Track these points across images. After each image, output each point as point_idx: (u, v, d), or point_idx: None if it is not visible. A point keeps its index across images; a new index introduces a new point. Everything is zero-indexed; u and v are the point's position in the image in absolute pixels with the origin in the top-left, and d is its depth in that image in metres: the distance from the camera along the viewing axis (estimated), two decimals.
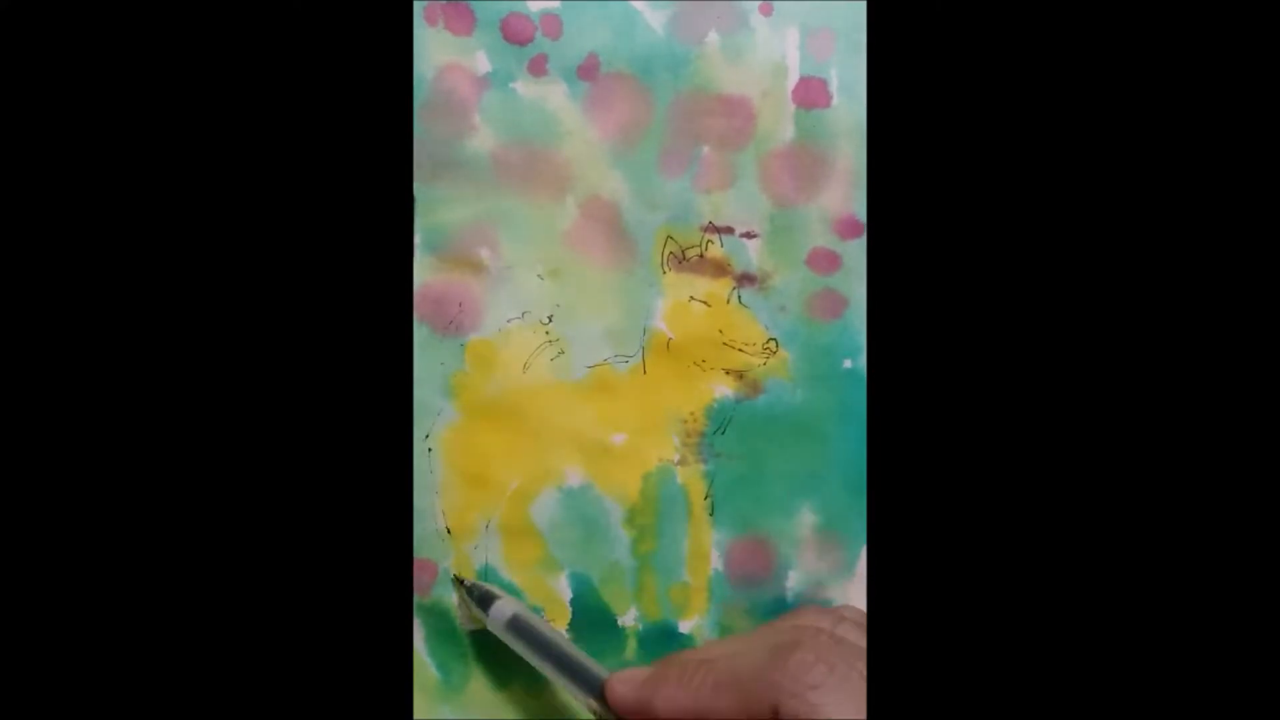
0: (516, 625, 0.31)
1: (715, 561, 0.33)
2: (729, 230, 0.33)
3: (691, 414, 0.33)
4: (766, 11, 0.32)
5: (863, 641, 0.27)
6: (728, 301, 0.33)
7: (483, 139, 0.32)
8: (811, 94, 0.32)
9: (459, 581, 0.32)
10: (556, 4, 0.32)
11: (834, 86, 0.32)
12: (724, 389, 0.33)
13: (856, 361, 0.33)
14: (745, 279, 0.33)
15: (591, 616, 0.33)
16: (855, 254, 0.33)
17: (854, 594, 0.33)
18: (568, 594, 0.33)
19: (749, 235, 0.33)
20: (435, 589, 0.32)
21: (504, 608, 0.31)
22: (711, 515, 0.33)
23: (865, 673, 0.25)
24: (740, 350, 0.33)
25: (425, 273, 0.32)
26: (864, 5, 0.32)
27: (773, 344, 0.33)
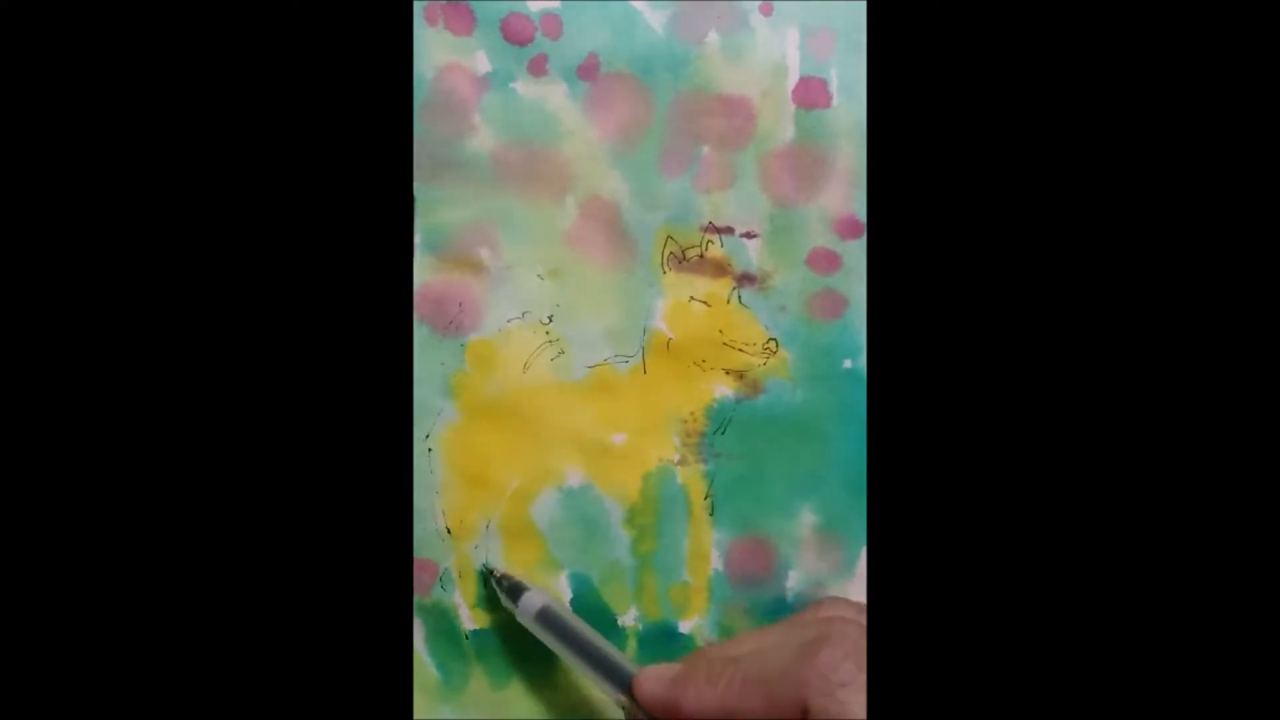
0: (546, 617, 0.31)
1: (715, 561, 0.33)
2: (729, 230, 0.33)
3: (691, 414, 0.33)
4: (766, 11, 0.32)
5: None
6: (728, 301, 0.33)
7: (483, 139, 0.32)
8: (811, 94, 0.32)
9: (489, 572, 0.32)
10: (556, 4, 0.32)
11: (834, 86, 0.32)
12: (724, 389, 0.33)
13: (856, 361, 0.33)
14: (745, 279, 0.33)
15: (591, 616, 0.33)
16: (855, 254, 0.33)
17: (854, 594, 0.33)
18: (568, 594, 0.33)
19: (749, 235, 0.33)
20: (435, 589, 0.32)
21: (534, 599, 0.31)
22: (711, 515, 0.33)
23: None
24: (740, 350, 0.33)
25: (425, 273, 0.32)
26: (864, 5, 0.32)
27: (773, 344, 0.33)
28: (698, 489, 0.33)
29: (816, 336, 0.33)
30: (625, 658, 0.30)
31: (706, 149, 0.32)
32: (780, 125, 0.32)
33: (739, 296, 0.33)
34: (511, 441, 0.32)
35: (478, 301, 0.32)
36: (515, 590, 0.31)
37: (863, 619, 0.28)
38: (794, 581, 0.33)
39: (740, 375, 0.33)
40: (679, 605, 0.33)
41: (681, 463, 0.33)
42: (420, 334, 0.32)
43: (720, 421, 0.33)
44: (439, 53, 0.31)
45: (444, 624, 0.32)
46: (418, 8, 0.31)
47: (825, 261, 0.33)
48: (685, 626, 0.33)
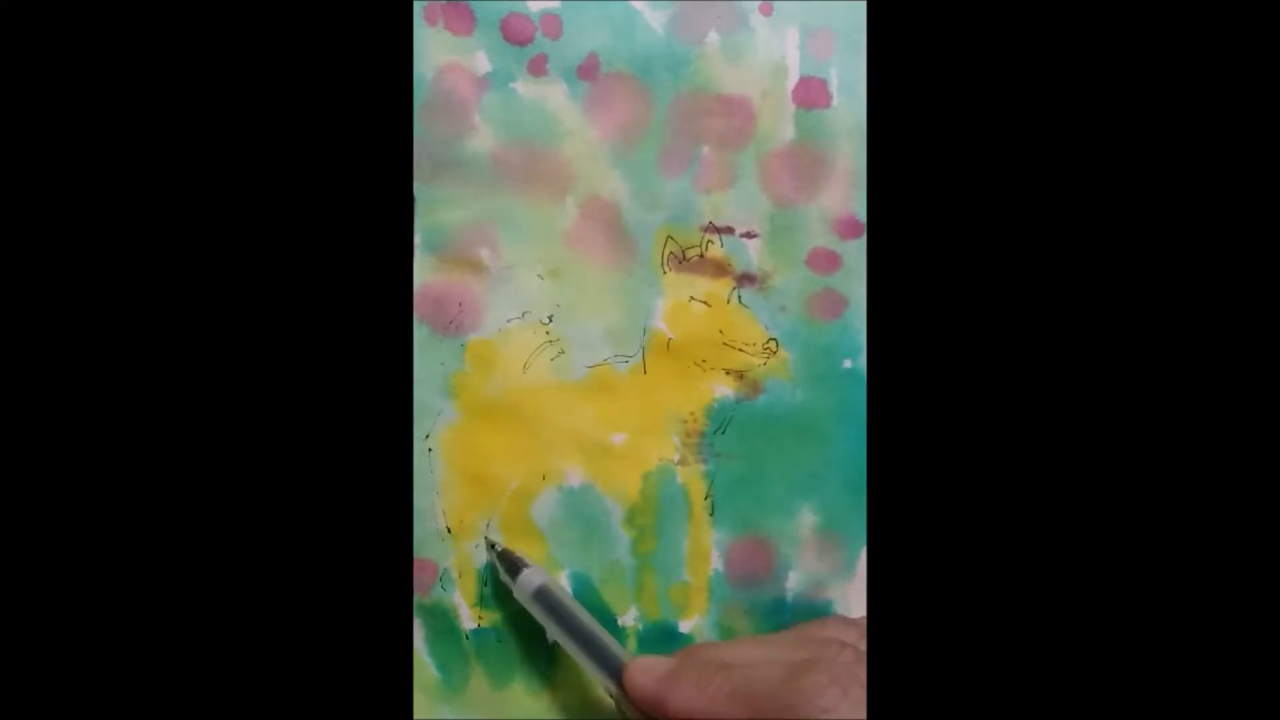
0: (543, 596, 0.31)
1: (715, 561, 0.33)
2: (729, 230, 0.33)
3: (691, 414, 0.33)
4: (766, 11, 0.32)
5: None
6: (728, 301, 0.33)
7: (483, 139, 0.32)
8: (811, 94, 0.32)
9: (491, 545, 0.32)
10: (556, 4, 0.32)
11: (834, 86, 0.32)
12: (724, 389, 0.33)
13: (856, 361, 0.33)
14: (745, 279, 0.33)
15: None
16: (855, 254, 0.33)
17: (854, 594, 0.33)
18: (568, 594, 0.33)
19: (749, 235, 0.33)
20: (435, 589, 0.32)
21: (532, 577, 0.31)
22: (711, 515, 0.33)
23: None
24: (740, 350, 0.33)
25: (425, 273, 0.32)
26: (864, 5, 0.32)
27: (773, 344, 0.33)
28: (698, 489, 0.33)
29: (816, 336, 0.33)
30: (619, 645, 0.30)
31: (706, 149, 0.32)
32: (780, 125, 0.32)
33: (739, 296, 0.33)
34: (511, 441, 0.32)
35: (478, 301, 0.32)
36: (515, 566, 0.31)
37: (862, 644, 0.28)
38: (794, 582, 0.33)
39: (740, 375, 0.33)
40: (679, 605, 0.33)
41: (681, 463, 0.33)
42: (420, 334, 0.32)
43: (720, 421, 0.33)
44: (439, 53, 0.31)
45: (444, 624, 0.32)
46: (418, 8, 0.31)
47: (825, 261, 0.33)
48: (685, 626, 0.33)
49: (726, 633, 0.33)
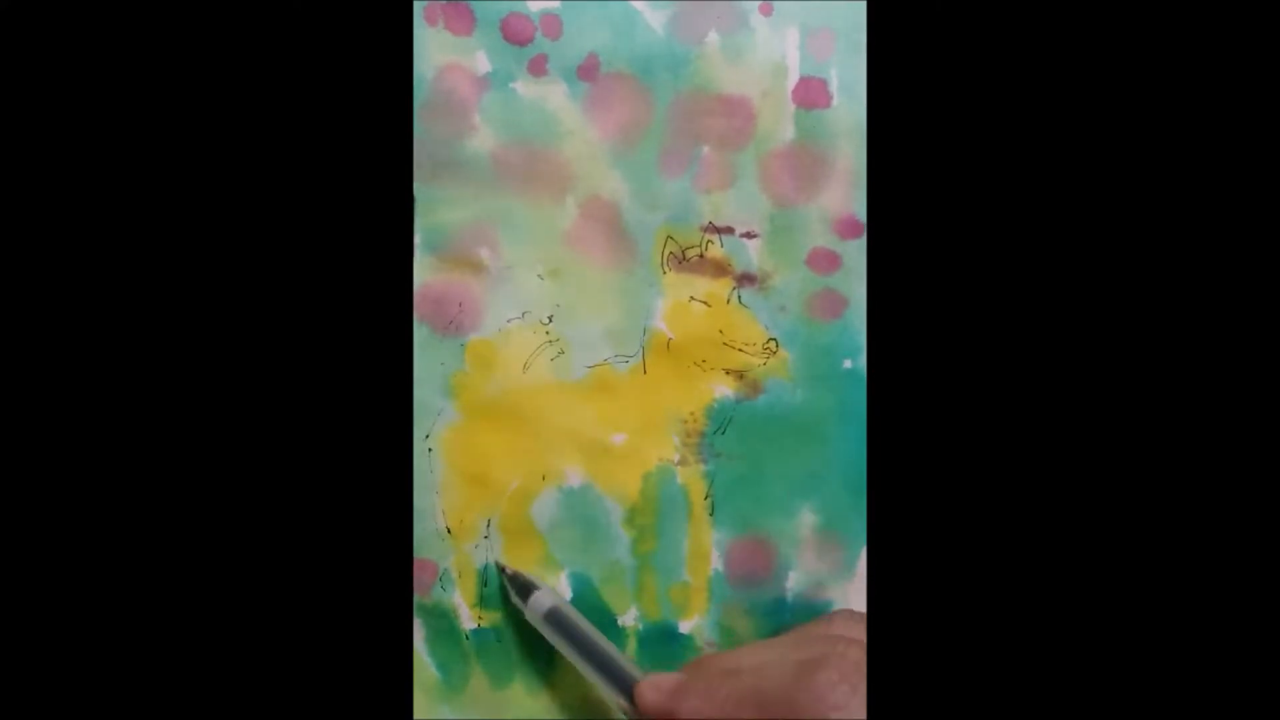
0: (554, 618, 0.31)
1: (715, 561, 0.33)
2: (729, 230, 0.33)
3: (691, 414, 0.33)
4: (766, 11, 0.32)
5: None
6: (728, 301, 0.33)
7: (483, 139, 0.32)
8: (811, 94, 0.32)
9: (500, 569, 0.32)
10: (556, 4, 0.32)
11: (834, 86, 0.32)
12: (724, 389, 0.33)
13: (856, 361, 0.33)
14: (745, 279, 0.33)
15: (591, 616, 0.33)
16: (855, 254, 0.33)
17: (854, 594, 0.33)
18: (568, 594, 0.33)
19: (749, 235, 0.33)
20: (435, 589, 0.32)
21: (542, 599, 0.31)
22: (711, 515, 0.33)
23: None
24: (740, 350, 0.33)
25: (425, 273, 0.32)
26: (864, 5, 0.32)
27: (773, 344, 0.33)
28: (698, 489, 0.33)
29: (816, 336, 0.33)
30: (631, 662, 0.30)
31: (706, 149, 0.32)
32: (780, 125, 0.32)
33: (739, 296, 0.33)
34: (511, 441, 0.33)
35: (478, 301, 0.32)
36: (525, 588, 0.31)
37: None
38: (794, 582, 0.33)
39: (740, 375, 0.33)
40: (679, 605, 0.33)
41: (681, 463, 0.33)
42: (420, 334, 0.32)
43: (720, 421, 0.33)
44: (439, 53, 0.31)
45: (444, 624, 0.32)
46: (418, 8, 0.31)
47: (825, 261, 0.33)
48: (685, 626, 0.33)
49: (727, 633, 0.33)
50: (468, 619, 0.32)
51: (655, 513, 0.33)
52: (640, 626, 0.33)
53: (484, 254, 0.32)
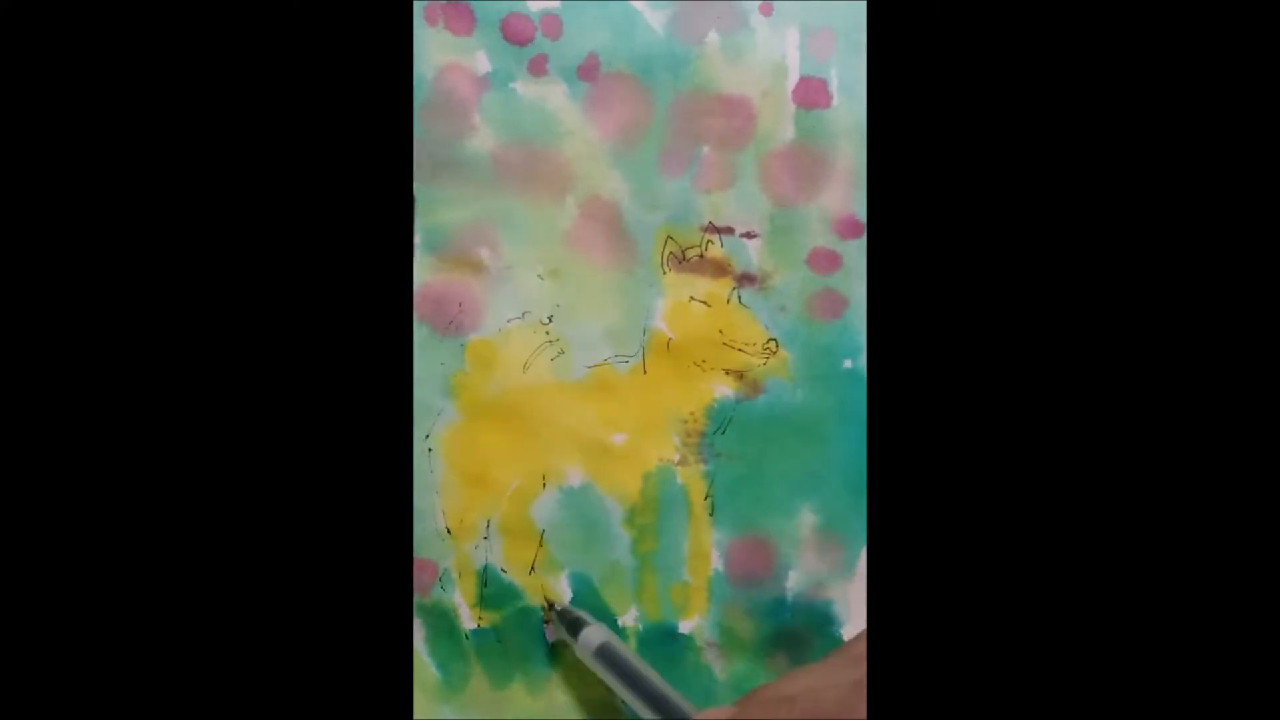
0: (605, 654, 0.31)
1: (715, 561, 0.33)
2: (729, 230, 0.33)
3: (691, 414, 0.33)
4: (766, 11, 0.32)
5: None
6: (728, 301, 0.33)
7: (483, 139, 0.32)
8: (811, 94, 0.32)
9: (549, 605, 0.32)
10: (556, 4, 0.32)
11: (834, 86, 0.32)
12: (724, 389, 0.33)
13: (856, 361, 0.33)
14: (745, 279, 0.33)
15: (591, 616, 0.33)
16: (855, 254, 0.33)
17: (854, 595, 0.33)
18: (568, 594, 0.33)
19: (749, 235, 0.33)
20: (435, 589, 0.32)
21: (592, 636, 0.31)
22: (711, 515, 0.33)
23: None
24: (740, 350, 0.33)
25: (425, 273, 0.32)
26: (864, 5, 0.32)
27: (773, 344, 0.33)
28: (698, 489, 0.33)
29: (816, 336, 0.33)
30: (683, 698, 0.30)
31: (706, 149, 0.32)
32: (780, 125, 0.32)
33: (739, 296, 0.33)
34: (511, 441, 0.33)
35: (478, 301, 0.32)
36: (575, 625, 0.31)
37: None
38: (794, 582, 0.33)
39: (740, 375, 0.33)
40: (679, 605, 0.33)
41: (681, 463, 0.33)
42: (420, 334, 0.32)
43: (720, 421, 0.33)
44: (439, 53, 0.31)
45: (444, 624, 0.32)
46: (418, 8, 0.31)
47: (825, 261, 0.33)
48: (685, 626, 0.33)
49: (726, 633, 0.33)
50: (468, 619, 0.32)
51: (655, 513, 0.33)
52: (640, 627, 0.33)
53: (484, 254, 0.32)
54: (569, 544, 0.33)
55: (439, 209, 0.32)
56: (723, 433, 0.33)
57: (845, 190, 0.33)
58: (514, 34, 0.32)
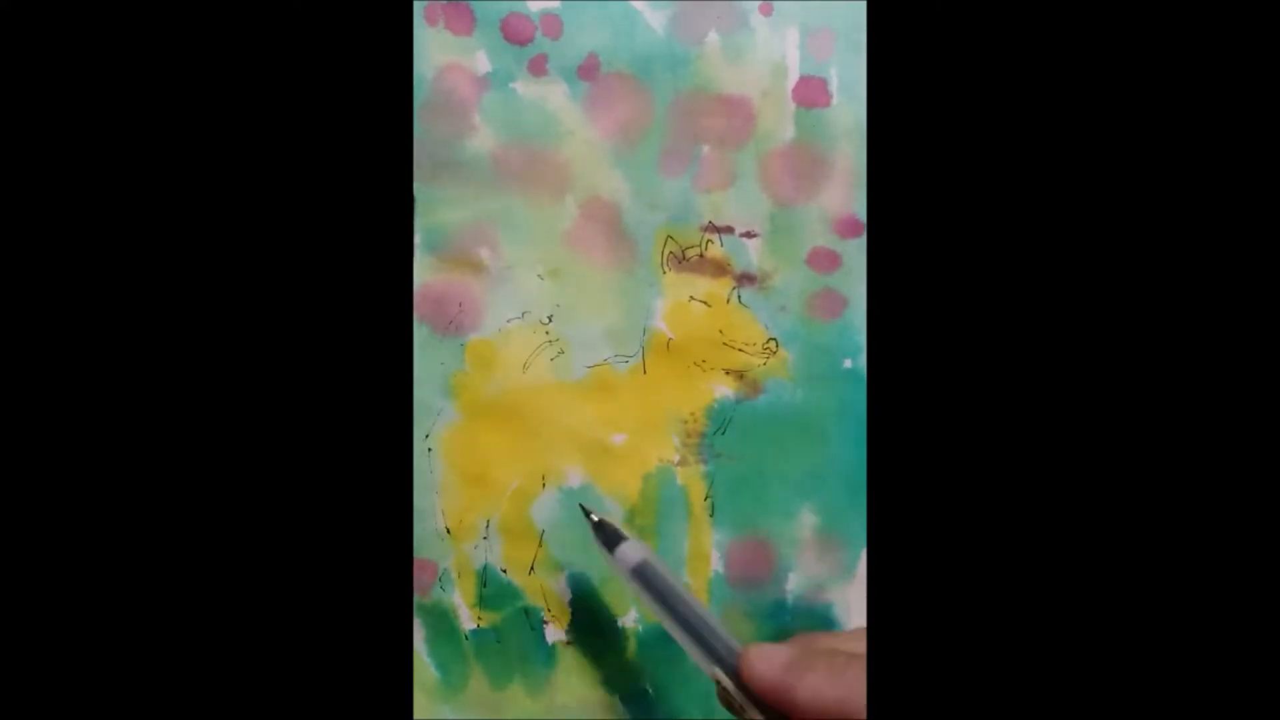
0: (643, 573, 0.29)
1: (715, 562, 0.33)
2: (729, 230, 0.33)
3: (691, 414, 0.33)
4: (766, 11, 0.32)
5: None
6: (728, 301, 0.33)
7: (483, 139, 0.32)
8: (811, 94, 0.32)
9: (587, 513, 0.30)
10: (556, 4, 0.32)
11: (834, 86, 0.32)
12: (724, 389, 0.33)
13: (856, 361, 0.33)
14: (745, 279, 0.33)
15: (591, 616, 0.33)
16: (855, 254, 0.33)
17: (854, 596, 0.33)
18: (568, 594, 0.33)
19: (749, 235, 0.33)
20: (435, 589, 0.32)
21: (630, 552, 0.29)
22: (711, 516, 0.33)
23: None
24: (740, 350, 0.33)
25: (425, 273, 0.32)
26: (864, 5, 0.32)
27: (773, 344, 0.33)
28: (698, 489, 0.33)
29: (816, 336, 0.33)
30: (726, 629, 0.28)
31: (706, 149, 0.32)
32: (780, 125, 0.32)
33: (739, 296, 0.33)
34: (511, 441, 0.32)
35: (478, 301, 0.32)
36: (613, 539, 0.29)
37: None
38: (794, 583, 0.33)
39: (740, 375, 0.33)
40: None
41: (681, 463, 0.33)
42: (420, 334, 0.32)
43: (720, 422, 0.33)
44: (439, 53, 0.31)
45: (444, 624, 0.32)
46: (418, 8, 0.31)
47: (825, 261, 0.33)
48: None
49: None
50: (467, 619, 0.32)
51: (655, 513, 0.33)
52: (640, 628, 0.33)
53: (484, 254, 0.32)
54: (569, 544, 0.33)
55: (439, 209, 0.32)
56: (723, 433, 0.33)
57: (845, 190, 0.33)
58: (514, 34, 0.32)
